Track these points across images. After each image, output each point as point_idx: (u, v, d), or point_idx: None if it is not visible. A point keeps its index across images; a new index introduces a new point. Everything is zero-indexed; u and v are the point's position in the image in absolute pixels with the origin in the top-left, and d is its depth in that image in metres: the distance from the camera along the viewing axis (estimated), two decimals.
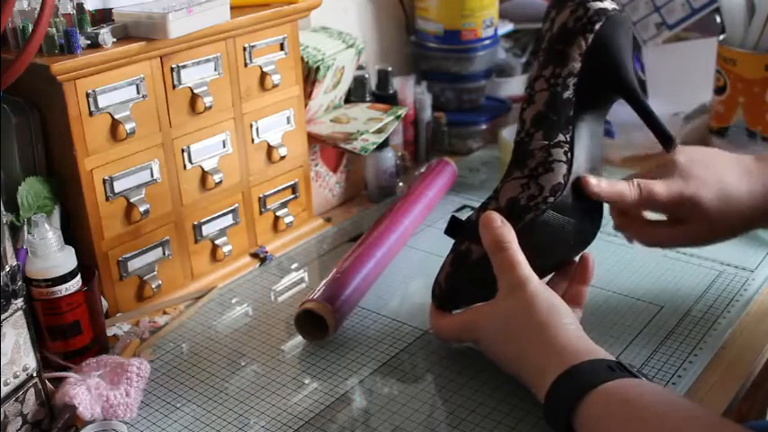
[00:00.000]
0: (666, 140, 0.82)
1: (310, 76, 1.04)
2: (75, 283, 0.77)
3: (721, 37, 1.21)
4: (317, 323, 0.82)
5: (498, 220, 0.75)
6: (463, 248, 0.79)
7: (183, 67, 0.88)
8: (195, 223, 0.94)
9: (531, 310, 0.70)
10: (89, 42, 0.80)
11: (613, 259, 0.97)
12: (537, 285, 0.72)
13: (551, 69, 0.80)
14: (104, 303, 0.85)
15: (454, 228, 0.81)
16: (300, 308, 0.82)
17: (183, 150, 0.90)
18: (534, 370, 0.69)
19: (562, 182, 0.78)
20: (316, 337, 0.83)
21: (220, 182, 0.94)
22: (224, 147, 0.94)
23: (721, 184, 0.81)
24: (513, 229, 0.75)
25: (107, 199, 0.84)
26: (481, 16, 1.30)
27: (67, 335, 0.78)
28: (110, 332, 0.85)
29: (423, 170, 1.16)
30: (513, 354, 0.72)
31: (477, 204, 1.14)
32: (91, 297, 0.80)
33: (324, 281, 0.86)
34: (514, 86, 1.47)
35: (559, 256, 0.81)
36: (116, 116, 0.83)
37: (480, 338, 0.75)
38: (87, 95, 0.80)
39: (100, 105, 0.81)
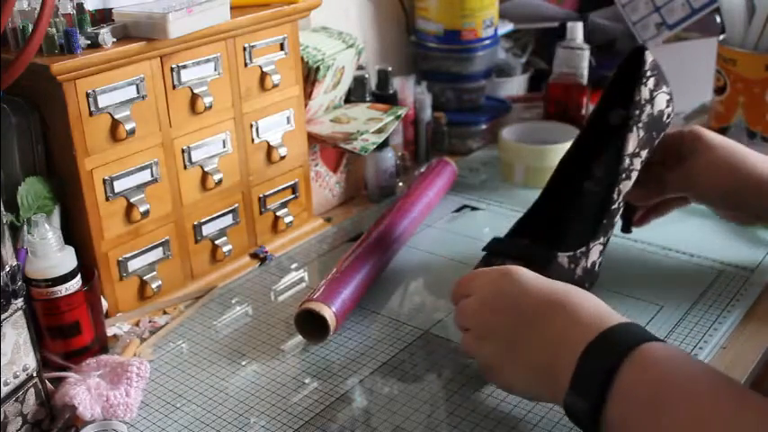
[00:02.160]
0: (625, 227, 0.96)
1: (310, 76, 1.04)
2: (75, 283, 0.77)
3: (721, 37, 1.21)
4: (317, 323, 0.82)
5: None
6: (498, 263, 0.83)
7: (183, 67, 0.88)
8: (195, 223, 0.94)
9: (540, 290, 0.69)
10: (89, 42, 0.80)
11: (614, 259, 0.96)
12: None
13: (647, 152, 0.88)
14: (104, 303, 0.85)
15: (493, 246, 0.87)
16: (300, 307, 0.82)
17: (183, 150, 0.90)
18: (556, 346, 0.64)
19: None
20: (316, 337, 0.83)
21: (220, 182, 0.94)
22: (224, 147, 0.94)
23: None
24: None
25: (107, 199, 0.84)
26: (481, 16, 1.30)
27: (67, 335, 0.78)
28: (110, 332, 0.85)
29: (423, 170, 1.16)
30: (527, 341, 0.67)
31: (476, 204, 1.14)
32: (91, 297, 0.80)
33: (323, 280, 0.86)
34: (514, 86, 1.47)
35: None
36: (116, 116, 0.83)
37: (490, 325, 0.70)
38: (87, 95, 0.80)
39: (100, 105, 0.81)
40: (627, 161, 0.86)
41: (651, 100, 0.87)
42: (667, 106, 0.88)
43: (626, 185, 0.86)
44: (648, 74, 0.87)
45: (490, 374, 0.71)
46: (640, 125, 0.86)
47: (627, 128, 0.86)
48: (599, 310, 0.65)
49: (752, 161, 0.87)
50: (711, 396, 0.56)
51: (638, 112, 0.86)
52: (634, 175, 0.87)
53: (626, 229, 0.97)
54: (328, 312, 0.81)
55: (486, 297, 0.71)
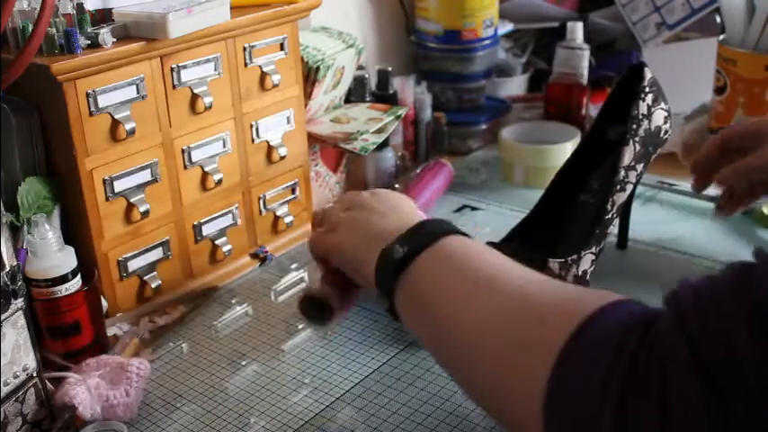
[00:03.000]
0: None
1: (310, 76, 1.04)
2: (75, 283, 0.77)
3: (721, 37, 1.21)
4: (322, 309, 0.80)
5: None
6: None
7: (183, 67, 0.88)
8: (195, 223, 0.94)
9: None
10: (89, 42, 0.80)
11: (613, 259, 0.96)
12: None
13: (642, 167, 0.89)
14: (104, 303, 0.85)
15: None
16: (304, 292, 0.81)
17: (183, 150, 0.90)
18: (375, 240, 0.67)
19: None
20: (320, 321, 0.81)
21: (220, 182, 0.94)
22: (224, 147, 0.94)
23: None
24: None
25: (107, 199, 0.84)
26: (481, 16, 1.30)
27: (67, 335, 0.78)
28: (110, 332, 0.85)
29: (418, 171, 1.16)
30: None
31: (476, 204, 1.14)
32: (91, 297, 0.80)
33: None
34: (514, 86, 1.47)
35: None
36: (116, 116, 0.83)
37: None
38: (87, 95, 0.80)
39: (100, 105, 0.81)
40: (622, 173, 0.87)
41: (649, 115, 0.88)
42: (665, 122, 0.90)
43: (620, 197, 0.88)
44: (647, 90, 0.88)
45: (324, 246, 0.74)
46: (637, 139, 0.87)
47: (623, 141, 0.87)
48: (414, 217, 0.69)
49: None
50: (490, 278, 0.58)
51: (635, 126, 0.87)
52: (629, 187, 0.89)
53: (621, 244, 0.99)
54: (332, 296, 0.79)
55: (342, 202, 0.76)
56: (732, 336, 0.43)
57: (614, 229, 0.93)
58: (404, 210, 0.71)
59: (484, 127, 1.34)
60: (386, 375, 0.78)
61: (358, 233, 0.70)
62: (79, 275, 0.78)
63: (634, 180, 0.90)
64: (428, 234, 0.63)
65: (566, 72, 1.28)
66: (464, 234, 0.64)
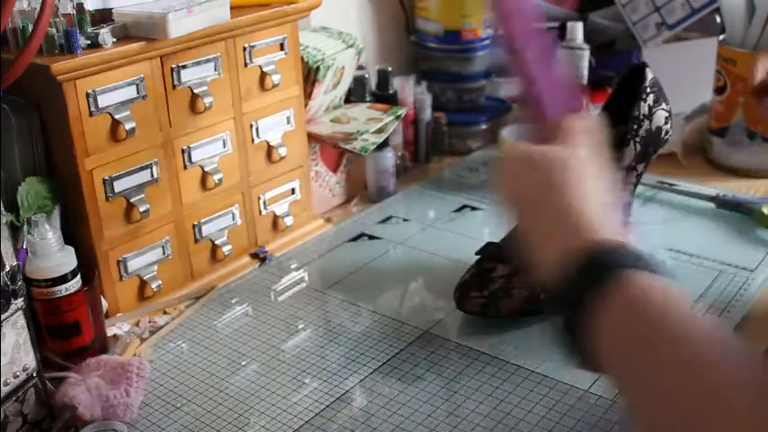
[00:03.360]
0: None
1: (310, 76, 1.04)
2: (76, 283, 0.77)
3: (721, 37, 1.21)
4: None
5: None
6: (488, 267, 0.85)
7: (183, 67, 0.88)
8: (195, 223, 0.94)
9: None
10: (89, 42, 0.80)
11: None
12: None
13: (642, 167, 0.89)
14: (104, 303, 0.85)
15: (486, 250, 0.88)
16: None
17: (183, 150, 0.90)
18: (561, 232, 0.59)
19: None
20: None
21: (220, 182, 0.94)
22: (224, 147, 0.94)
23: None
24: None
25: (107, 199, 0.84)
26: (481, 16, 1.30)
27: (67, 335, 0.78)
28: (110, 332, 0.85)
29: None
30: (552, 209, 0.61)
31: (476, 204, 1.14)
32: (91, 297, 0.80)
33: None
34: (514, 86, 1.47)
35: None
36: (116, 116, 0.83)
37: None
38: (87, 95, 0.80)
39: (100, 105, 0.81)
40: (622, 174, 0.87)
41: (650, 116, 0.88)
42: (666, 123, 0.90)
43: (620, 197, 0.88)
44: (648, 90, 0.88)
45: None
46: (638, 139, 0.87)
47: (624, 142, 0.87)
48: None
49: None
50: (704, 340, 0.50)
51: (635, 126, 0.87)
52: (629, 187, 0.89)
53: None
54: None
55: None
56: None
57: None
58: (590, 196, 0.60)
59: (484, 127, 1.33)
60: (386, 375, 0.78)
61: (538, 215, 0.62)
62: (79, 275, 0.77)
63: (634, 180, 0.90)
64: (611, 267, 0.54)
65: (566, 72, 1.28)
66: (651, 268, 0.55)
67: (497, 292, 0.83)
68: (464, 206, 1.14)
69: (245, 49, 0.93)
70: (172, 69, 0.87)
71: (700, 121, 1.27)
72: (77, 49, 0.79)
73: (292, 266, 1.00)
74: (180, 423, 0.73)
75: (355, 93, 1.18)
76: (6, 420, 0.67)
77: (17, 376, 0.68)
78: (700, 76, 1.27)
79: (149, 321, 0.89)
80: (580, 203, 0.59)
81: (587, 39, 1.30)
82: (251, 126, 0.97)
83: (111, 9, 0.85)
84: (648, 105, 0.88)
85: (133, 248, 0.88)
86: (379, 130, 1.09)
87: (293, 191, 1.05)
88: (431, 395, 0.75)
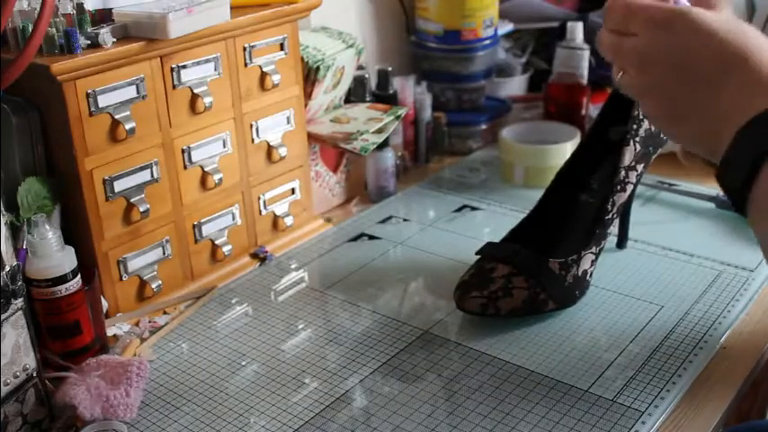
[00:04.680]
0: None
1: (310, 76, 1.04)
2: (76, 283, 0.77)
3: None
4: None
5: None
6: (488, 267, 0.86)
7: (183, 67, 0.88)
8: (195, 223, 0.94)
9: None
10: (89, 42, 0.80)
11: (613, 259, 0.97)
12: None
13: (642, 167, 0.90)
14: (104, 303, 0.85)
15: (487, 250, 0.88)
16: None
17: (183, 150, 0.90)
18: (739, 89, 0.55)
19: None
20: None
21: (220, 182, 0.94)
22: (224, 147, 0.94)
23: None
24: None
25: (107, 199, 0.84)
26: (481, 16, 1.30)
27: (67, 335, 0.78)
28: (110, 332, 0.85)
29: None
30: (715, 61, 0.56)
31: (476, 204, 1.14)
32: (91, 297, 0.80)
33: None
34: (514, 86, 1.47)
35: None
36: (116, 116, 0.83)
37: (674, 31, 0.58)
38: (87, 95, 0.80)
39: (100, 105, 0.81)
40: (622, 174, 0.88)
41: None
42: None
43: (620, 197, 0.88)
44: None
45: (650, 118, 0.63)
46: (637, 139, 0.88)
47: (624, 142, 0.87)
48: None
49: None
50: None
51: (635, 126, 0.87)
52: (629, 187, 0.89)
53: (621, 244, 0.99)
54: None
55: (651, 47, 0.60)
56: None
57: (614, 229, 0.93)
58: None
59: (484, 127, 1.34)
60: (386, 375, 0.78)
61: (679, 129, 0.60)
62: (79, 275, 0.77)
63: (634, 180, 0.90)
64: (752, 156, 0.51)
65: (566, 72, 1.28)
66: None
67: (497, 292, 0.83)
68: (464, 206, 1.14)
69: (245, 49, 0.93)
70: (172, 69, 0.87)
71: None
72: (77, 49, 0.79)
73: (292, 266, 1.00)
74: (180, 423, 0.73)
75: (355, 93, 1.18)
76: (6, 420, 0.67)
77: (17, 376, 0.68)
78: None
79: (149, 321, 0.89)
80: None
81: (587, 39, 1.30)
82: (251, 126, 0.97)
83: (111, 9, 0.85)
84: None
85: (133, 248, 0.88)
86: (379, 130, 1.09)
87: (293, 191, 1.05)
88: (431, 395, 0.75)
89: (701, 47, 0.57)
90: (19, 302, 0.67)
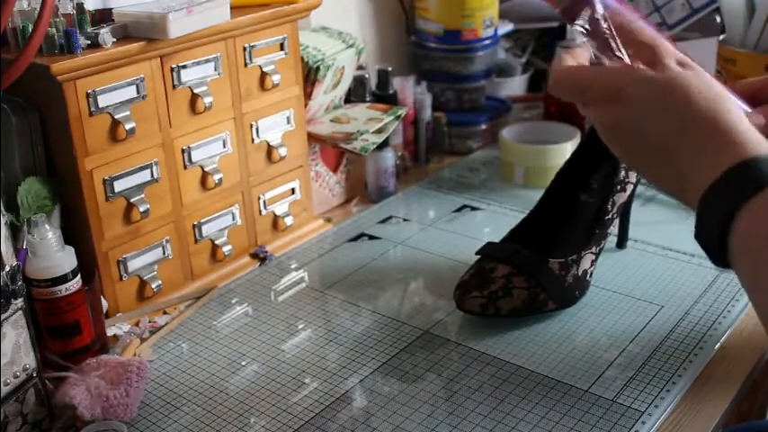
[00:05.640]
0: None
1: (310, 76, 1.04)
2: (76, 283, 0.77)
3: (721, 37, 1.21)
4: None
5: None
6: (488, 267, 0.85)
7: (183, 67, 0.88)
8: (195, 223, 0.94)
9: (699, 89, 0.57)
10: (89, 42, 0.80)
11: (613, 259, 0.97)
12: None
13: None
14: (104, 303, 0.85)
15: (487, 250, 0.88)
16: None
17: (183, 150, 0.90)
18: (693, 153, 0.55)
19: None
20: None
21: (220, 182, 0.94)
22: (224, 147, 0.94)
23: None
24: None
25: (107, 199, 0.84)
26: (481, 16, 1.30)
27: (67, 335, 0.78)
28: (110, 332, 0.85)
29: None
30: (665, 131, 0.57)
31: (477, 204, 1.14)
32: (91, 297, 0.80)
33: None
34: (514, 86, 1.47)
35: None
36: (116, 116, 0.83)
37: (621, 102, 0.59)
38: (87, 95, 0.80)
39: (100, 105, 0.81)
40: (622, 173, 0.88)
41: None
42: None
43: (620, 197, 0.88)
44: None
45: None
46: None
47: None
48: (736, 132, 0.55)
49: None
50: None
51: None
52: (629, 187, 0.89)
53: (621, 244, 0.99)
54: None
55: (605, 118, 0.61)
56: None
57: (614, 229, 0.93)
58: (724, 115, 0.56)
59: (484, 127, 1.34)
60: (386, 375, 0.78)
61: (645, 172, 0.60)
62: (79, 275, 0.77)
63: (634, 180, 0.90)
64: (718, 221, 0.52)
65: None
66: None
67: (497, 292, 0.83)
68: (464, 206, 1.14)
69: (245, 49, 0.93)
70: (172, 69, 0.87)
71: None
72: (77, 49, 0.79)
73: (292, 266, 1.00)
74: (180, 423, 0.73)
75: (355, 93, 1.18)
76: (6, 420, 0.67)
77: (17, 376, 0.68)
78: None
79: (149, 321, 0.89)
80: (726, 117, 0.55)
81: None
82: (251, 126, 0.97)
83: (111, 9, 0.85)
84: None
85: (133, 248, 0.88)
86: (379, 130, 1.09)
87: (293, 191, 1.05)
88: (431, 395, 0.75)
89: (651, 115, 0.58)
90: (19, 302, 0.67)
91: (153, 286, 0.90)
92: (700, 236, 0.55)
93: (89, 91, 0.80)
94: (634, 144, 0.60)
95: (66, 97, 0.79)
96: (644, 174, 0.62)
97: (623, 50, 0.62)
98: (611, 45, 0.62)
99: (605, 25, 0.62)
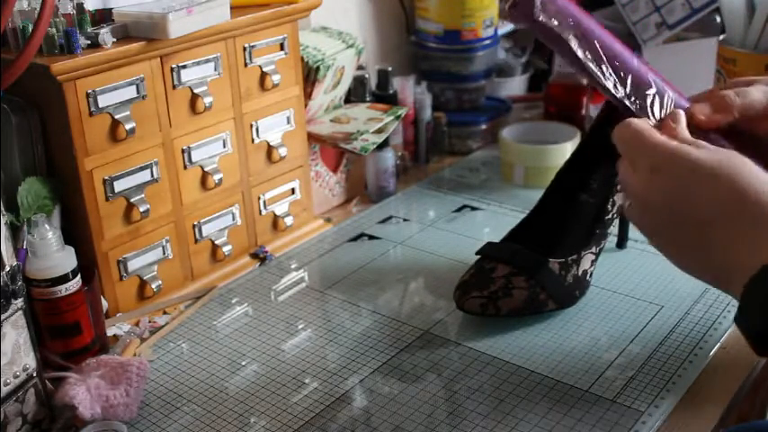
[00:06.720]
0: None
1: (310, 76, 1.04)
2: (76, 283, 0.77)
3: (721, 37, 1.21)
4: None
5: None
6: (488, 267, 0.85)
7: (183, 67, 0.88)
8: (195, 223, 0.94)
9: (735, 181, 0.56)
10: (89, 42, 0.80)
11: (613, 259, 0.97)
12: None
13: None
14: (104, 303, 0.85)
15: (487, 250, 0.88)
16: None
17: (183, 150, 0.90)
18: (732, 239, 0.55)
19: None
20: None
21: (220, 182, 0.94)
22: (224, 147, 0.94)
23: None
24: None
25: (107, 199, 0.84)
26: (481, 16, 1.30)
27: (67, 335, 0.78)
28: (110, 332, 0.85)
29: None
30: (707, 210, 0.57)
31: (476, 204, 1.14)
32: (91, 297, 0.80)
33: None
34: (514, 86, 1.47)
35: None
36: (116, 116, 0.83)
37: (669, 178, 0.59)
38: (87, 95, 0.80)
39: (100, 105, 0.81)
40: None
41: None
42: None
43: (620, 197, 0.88)
44: None
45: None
46: None
47: None
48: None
49: None
50: None
51: None
52: None
53: (621, 244, 0.99)
54: None
55: (648, 191, 0.61)
56: None
57: (614, 229, 0.93)
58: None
59: (484, 127, 1.34)
60: (386, 375, 0.78)
61: (684, 265, 0.62)
62: (79, 275, 0.77)
63: None
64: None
65: (566, 72, 1.28)
66: None
67: (497, 292, 0.83)
68: (464, 206, 1.14)
69: (245, 49, 0.93)
70: (172, 69, 0.87)
71: None
72: (77, 49, 0.79)
73: (292, 266, 1.00)
74: (180, 423, 0.73)
75: (355, 93, 1.18)
76: (6, 420, 0.67)
77: (17, 376, 0.68)
78: (700, 76, 1.27)
79: (149, 321, 0.89)
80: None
81: None
82: (251, 126, 0.97)
83: (111, 9, 0.85)
84: None
85: (133, 248, 0.88)
86: (379, 130, 1.09)
87: (293, 191, 1.05)
88: (431, 395, 0.75)
89: (695, 193, 0.57)
90: (19, 302, 0.67)
91: (153, 286, 0.90)
92: (742, 323, 0.54)
93: (89, 91, 0.80)
94: (678, 220, 0.60)
95: (66, 97, 0.79)
96: (683, 260, 0.62)
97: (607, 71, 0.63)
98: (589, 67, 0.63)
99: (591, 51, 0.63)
